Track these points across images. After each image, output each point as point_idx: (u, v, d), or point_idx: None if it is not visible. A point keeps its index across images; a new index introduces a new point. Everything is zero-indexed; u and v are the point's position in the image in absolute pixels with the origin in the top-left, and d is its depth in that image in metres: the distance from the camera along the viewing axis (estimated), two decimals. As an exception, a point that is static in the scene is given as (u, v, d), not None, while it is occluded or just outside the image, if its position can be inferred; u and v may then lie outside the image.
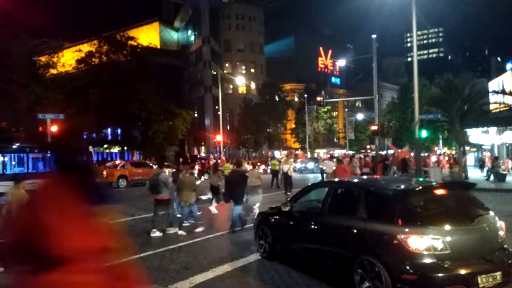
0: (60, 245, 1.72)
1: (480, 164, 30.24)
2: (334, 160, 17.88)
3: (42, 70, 31.45)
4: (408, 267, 4.45)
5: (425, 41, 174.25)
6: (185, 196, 9.94)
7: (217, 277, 6.24)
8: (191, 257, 7.53)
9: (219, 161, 32.75)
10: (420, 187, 5.65)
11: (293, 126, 62.47)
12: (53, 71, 32.90)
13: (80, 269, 1.75)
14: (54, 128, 25.87)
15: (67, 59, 36.79)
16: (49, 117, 25.58)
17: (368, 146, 52.81)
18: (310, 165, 36.86)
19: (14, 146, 22.95)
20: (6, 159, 22.21)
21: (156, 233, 9.57)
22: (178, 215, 11.03)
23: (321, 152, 53.81)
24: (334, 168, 15.56)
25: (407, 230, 4.60)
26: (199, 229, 9.87)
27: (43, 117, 25.46)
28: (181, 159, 36.51)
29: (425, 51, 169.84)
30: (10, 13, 25.08)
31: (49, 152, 23.91)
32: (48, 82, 30.39)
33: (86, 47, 41.34)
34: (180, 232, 9.66)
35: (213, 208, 13.17)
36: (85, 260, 1.77)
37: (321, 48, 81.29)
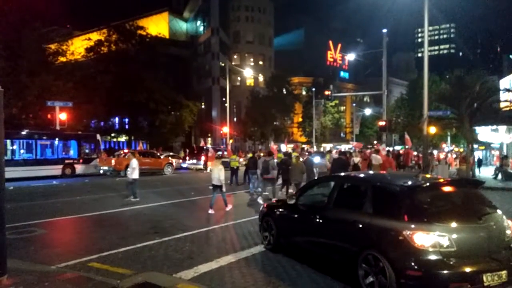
0: None
1: (478, 162, 29.66)
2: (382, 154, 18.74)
3: (52, 58, 31.58)
4: (413, 263, 4.44)
5: (436, 37, 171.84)
6: (296, 177, 12.74)
7: (221, 268, 6.28)
8: (196, 246, 7.58)
9: (225, 153, 32.88)
10: (428, 184, 5.60)
11: (300, 119, 62.24)
12: (62, 59, 33.03)
13: None
14: (63, 116, 26.08)
15: (76, 47, 36.90)
16: (58, 105, 25.80)
17: (376, 142, 52.49)
18: (317, 159, 36.60)
19: (23, 133, 23.17)
20: (15, 145, 22.43)
21: (260, 201, 12.90)
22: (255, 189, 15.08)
23: (328, 146, 53.57)
24: (381, 161, 16.36)
25: (413, 226, 4.58)
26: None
27: (52, 104, 25.65)
28: (187, 150, 36.86)
29: (436, 47, 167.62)
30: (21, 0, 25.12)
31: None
32: (57, 70, 30.52)
33: (95, 36, 41.44)
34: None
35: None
36: None
37: (330, 42, 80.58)
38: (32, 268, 6.02)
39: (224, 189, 11.67)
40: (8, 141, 21.40)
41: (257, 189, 15.14)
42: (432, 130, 19.37)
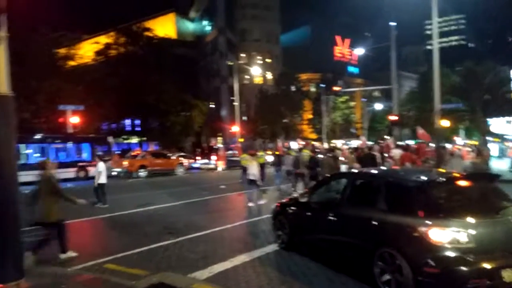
0: None
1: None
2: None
3: (61, 62, 31.95)
4: (430, 260, 4.38)
5: (445, 28, 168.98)
6: (326, 172, 12.65)
7: (235, 267, 6.29)
8: (210, 246, 7.60)
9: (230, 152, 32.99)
10: (442, 178, 5.52)
11: (310, 116, 61.96)
12: (72, 63, 33.40)
13: None
14: (74, 119, 26.39)
15: (85, 51, 37.26)
16: (69, 108, 26.11)
17: (387, 137, 52.02)
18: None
19: (37, 137, 23.50)
20: (29, 149, 22.76)
21: (295, 194, 13.13)
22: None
23: (338, 143, 53.22)
24: (398, 156, 16.49)
25: (429, 222, 4.51)
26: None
27: (64, 108, 25.98)
28: (198, 150, 37.06)
29: (446, 39, 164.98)
30: (29, 6, 25.41)
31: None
32: (67, 74, 30.87)
33: (103, 39, 41.75)
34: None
35: None
36: None
37: (338, 37, 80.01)
38: (48, 271, 6.11)
39: (260, 183, 12.72)
40: (23, 146, 21.73)
41: (282, 185, 15.94)
42: (445, 123, 19.06)
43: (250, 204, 12.32)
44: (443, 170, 9.24)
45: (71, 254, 7.06)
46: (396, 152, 16.39)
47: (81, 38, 43.22)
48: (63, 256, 6.98)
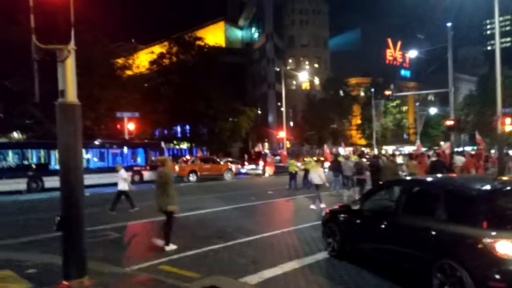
0: None
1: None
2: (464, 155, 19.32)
3: (119, 72, 33.78)
4: (495, 274, 4.11)
5: (507, 28, 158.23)
6: (387, 178, 12.40)
7: (286, 274, 6.25)
8: (259, 251, 7.64)
9: (277, 158, 32.97)
10: (508, 187, 5.16)
11: (359, 121, 60.46)
12: (129, 72, 35.20)
13: None
14: (130, 126, 27.76)
15: (141, 60, 39.13)
16: (126, 116, 27.52)
17: (442, 143, 49.41)
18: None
19: (96, 142, 24.98)
20: (89, 154, 24.23)
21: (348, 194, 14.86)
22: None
23: (389, 149, 51.37)
24: (461, 163, 16.58)
25: (494, 233, 4.24)
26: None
27: (121, 115, 27.42)
28: (246, 155, 37.47)
29: (508, 39, 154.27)
30: (92, 18, 27.16)
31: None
32: (124, 83, 32.57)
33: (157, 49, 43.64)
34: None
35: None
36: None
37: (389, 40, 77.60)
38: (109, 270, 6.44)
39: (327, 185, 13.32)
40: (83, 151, 23.20)
41: (339, 190, 16.07)
42: (509, 128, 17.82)
43: (323, 206, 12.50)
44: (507, 178, 8.61)
45: (172, 246, 7.74)
46: (460, 159, 15.75)
47: (137, 48, 45.51)
48: (167, 248, 7.67)
